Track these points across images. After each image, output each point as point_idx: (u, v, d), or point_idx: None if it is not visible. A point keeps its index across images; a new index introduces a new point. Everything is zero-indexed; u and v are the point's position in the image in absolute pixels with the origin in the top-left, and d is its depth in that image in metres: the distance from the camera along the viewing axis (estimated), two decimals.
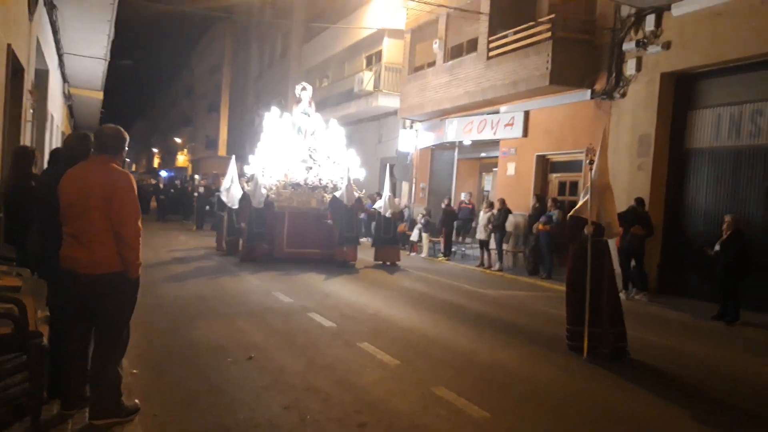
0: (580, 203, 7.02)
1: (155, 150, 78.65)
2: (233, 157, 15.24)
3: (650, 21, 11.34)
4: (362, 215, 15.92)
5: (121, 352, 4.01)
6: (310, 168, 14.41)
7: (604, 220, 6.72)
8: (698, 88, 11.16)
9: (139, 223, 3.85)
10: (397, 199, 15.72)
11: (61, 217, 3.82)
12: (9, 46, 6.29)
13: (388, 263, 13.98)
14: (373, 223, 15.36)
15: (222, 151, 42.20)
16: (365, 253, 14.45)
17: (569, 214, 7.25)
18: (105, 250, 3.74)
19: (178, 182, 33.72)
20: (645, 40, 11.48)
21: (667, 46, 11.06)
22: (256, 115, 32.11)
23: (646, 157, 11.46)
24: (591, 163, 6.86)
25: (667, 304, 10.22)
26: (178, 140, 59.68)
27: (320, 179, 14.29)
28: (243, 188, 14.08)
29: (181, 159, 60.02)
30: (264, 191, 13.34)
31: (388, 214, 14.26)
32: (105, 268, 3.74)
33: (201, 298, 8.86)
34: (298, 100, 15.27)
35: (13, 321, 3.85)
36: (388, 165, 16.20)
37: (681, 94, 11.33)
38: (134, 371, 5.13)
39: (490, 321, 8.42)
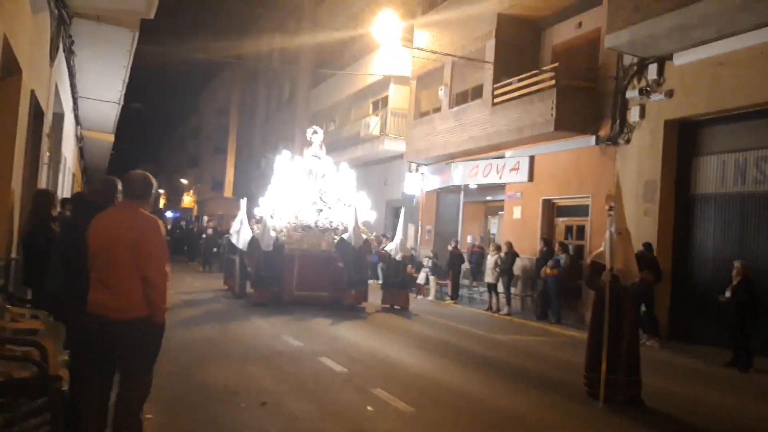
0: (600, 249, 7.04)
1: (161, 191, 79.21)
2: (244, 199, 15.29)
3: (653, 70, 11.61)
4: (373, 257, 15.77)
5: (144, 399, 3.99)
6: (321, 210, 14.39)
7: (619, 266, 6.72)
8: (702, 135, 11.35)
9: (167, 268, 3.90)
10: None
11: (90, 261, 3.87)
12: (32, 91, 6.48)
13: (397, 307, 13.78)
14: (380, 265, 15.35)
15: (228, 192, 42.50)
16: (374, 296, 14.27)
17: (590, 259, 7.30)
18: (132, 295, 3.77)
19: (183, 223, 33.86)
20: (648, 88, 11.73)
21: (669, 94, 11.30)
22: (263, 158, 32.52)
23: (652, 203, 11.56)
24: (611, 209, 6.92)
25: (679, 351, 10.13)
26: (184, 181, 60.18)
27: (331, 221, 14.23)
28: (252, 230, 14.09)
29: (187, 200, 60.37)
30: (273, 234, 13.30)
31: (398, 257, 14.13)
32: (132, 313, 3.77)
33: (211, 342, 8.83)
34: (309, 143, 15.37)
35: (35, 364, 3.87)
36: (402, 208, 16.18)
37: (685, 140, 11.51)
38: (148, 416, 5.08)
39: (500, 366, 8.36)
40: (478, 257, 16.52)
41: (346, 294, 13.11)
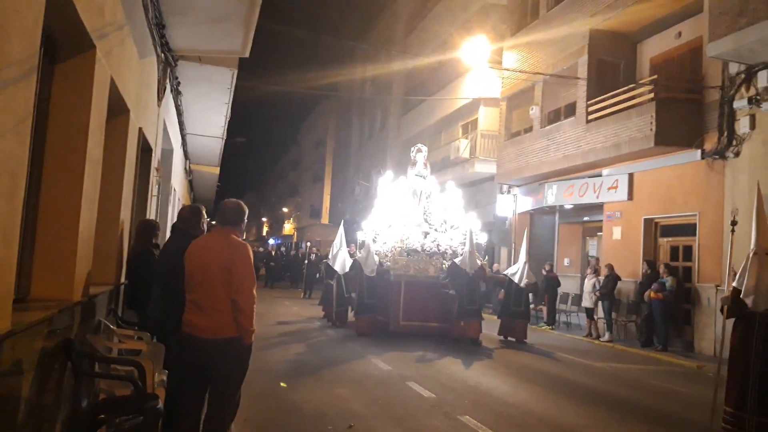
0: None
1: (264, 219, 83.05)
2: (342, 222, 14.93)
3: (762, 77, 10.76)
4: (483, 286, 14.34)
5: (232, 417, 4.16)
6: (427, 233, 13.36)
7: (755, 290, 5.97)
8: None
9: (254, 291, 4.08)
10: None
11: (186, 284, 4.12)
12: (140, 129, 7.06)
13: (511, 339, 12.45)
14: (498, 290, 14.21)
15: (325, 219, 43.80)
16: (488, 327, 12.92)
17: (732, 285, 6.67)
18: (222, 317, 3.97)
19: (283, 249, 35.02)
20: (758, 97, 10.87)
21: None
22: (357, 185, 33.29)
23: None
24: (734, 224, 6.42)
25: None
26: (285, 210, 62.79)
27: (438, 245, 13.07)
28: (351, 255, 13.54)
29: (288, 227, 62.86)
30: (376, 258, 12.52)
31: (522, 284, 12.60)
32: (221, 333, 3.97)
33: (309, 369, 9.02)
34: (413, 162, 14.45)
35: (133, 383, 4.15)
36: (526, 230, 14.55)
37: None
38: None
39: (600, 396, 7.89)
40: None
41: (456, 325, 11.85)
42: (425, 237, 13.22)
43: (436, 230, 13.52)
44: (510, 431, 5.94)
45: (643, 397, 8.06)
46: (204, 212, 5.06)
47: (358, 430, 5.70)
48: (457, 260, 12.18)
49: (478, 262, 12.29)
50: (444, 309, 12.27)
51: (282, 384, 6.49)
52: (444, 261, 12.79)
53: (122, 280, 6.59)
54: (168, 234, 7.26)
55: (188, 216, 4.93)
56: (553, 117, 16.76)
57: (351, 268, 13.12)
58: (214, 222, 5.32)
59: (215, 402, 4.07)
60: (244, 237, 5.40)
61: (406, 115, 28.54)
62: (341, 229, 14.04)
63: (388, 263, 12.71)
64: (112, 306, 6.00)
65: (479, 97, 20.75)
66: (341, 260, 13.54)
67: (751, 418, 5.79)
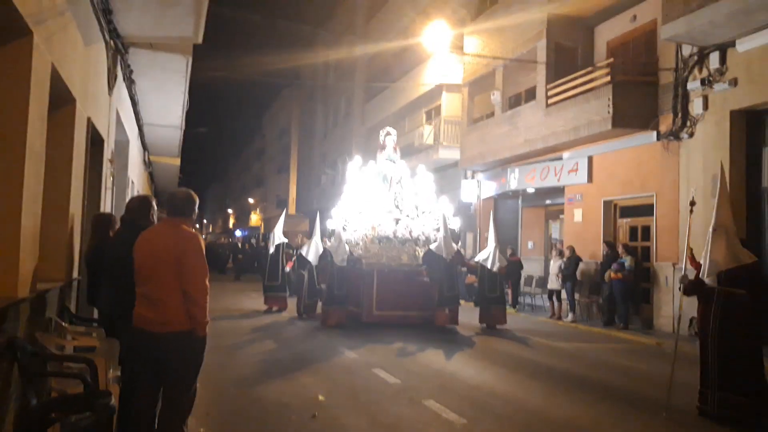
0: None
1: (230, 211, 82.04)
2: (317, 212, 14.36)
3: (714, 58, 11.00)
4: (463, 271, 14.05)
5: (188, 411, 4.08)
6: (399, 219, 12.90)
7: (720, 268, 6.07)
8: None
9: (207, 282, 3.99)
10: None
11: (135, 277, 4.01)
12: (89, 119, 6.81)
13: (500, 327, 12.08)
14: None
15: (291, 209, 43.42)
16: (465, 315, 12.46)
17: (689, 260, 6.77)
18: (174, 309, 3.88)
19: (252, 240, 34.53)
20: (710, 78, 11.12)
21: (734, 83, 10.66)
22: (323, 174, 33.07)
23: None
24: (692, 204, 6.59)
25: None
26: (251, 201, 62.05)
27: (411, 231, 12.70)
28: (324, 245, 13.08)
29: (254, 218, 62.18)
30: (347, 247, 12.10)
31: (495, 269, 12.24)
32: (174, 327, 3.88)
33: (274, 361, 8.94)
34: (383, 146, 14.01)
35: (83, 381, 4.02)
36: (491, 213, 14.36)
37: (754, 131, 10.82)
38: (201, 430, 5.19)
39: (564, 376, 8.02)
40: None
41: (438, 314, 11.52)
42: (397, 224, 12.85)
43: (407, 216, 13.11)
44: (471, 412, 6.00)
45: (605, 375, 8.23)
46: (154, 203, 4.92)
47: (321, 419, 5.67)
48: (432, 246, 11.88)
49: (455, 247, 11.99)
50: (421, 297, 11.92)
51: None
52: (417, 248, 12.45)
53: (75, 275, 6.40)
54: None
55: (136, 207, 4.80)
56: (514, 102, 16.88)
57: (321, 258, 12.66)
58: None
59: (170, 396, 3.98)
60: (212, 229, 5.29)
61: (370, 102, 28.41)
62: (317, 219, 13.61)
63: (360, 252, 12.32)
64: (66, 303, 5.82)
65: (441, 83, 20.77)
66: (315, 250, 13.09)
67: (713, 393, 5.95)
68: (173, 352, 3.89)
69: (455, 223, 13.18)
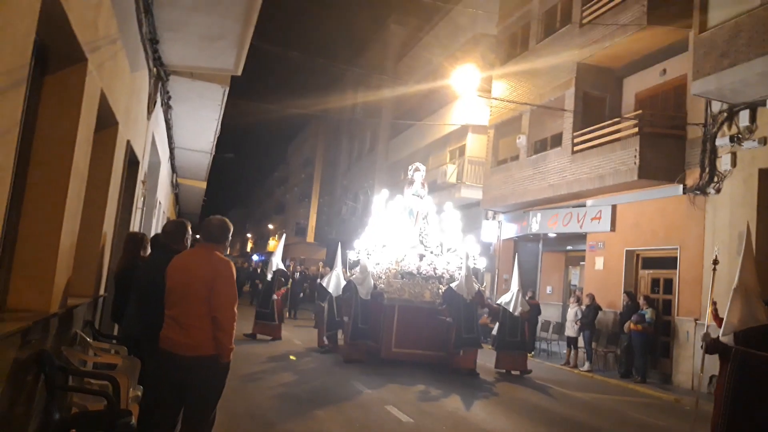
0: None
1: (249, 235, 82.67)
2: (339, 243, 14.19)
3: (744, 116, 11.03)
4: (483, 312, 13.50)
5: None
6: (423, 255, 12.64)
7: (736, 327, 5.99)
8: None
9: (235, 309, 4.06)
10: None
11: (165, 300, 4.10)
12: (128, 142, 7.05)
13: (515, 372, 11.76)
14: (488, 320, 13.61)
15: (310, 237, 43.68)
16: (482, 358, 11.92)
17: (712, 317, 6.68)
18: (201, 334, 3.94)
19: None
20: (739, 135, 11.12)
21: (763, 141, 10.65)
22: (344, 205, 33.31)
23: None
24: (715, 263, 6.53)
25: None
26: (270, 226, 62.57)
27: (435, 268, 12.38)
28: (346, 276, 12.79)
29: (272, 244, 62.58)
30: (371, 281, 11.76)
31: (517, 313, 11.90)
32: (199, 351, 3.93)
33: (291, 395, 8.92)
34: (410, 181, 13.84)
35: (107, 398, 4.09)
36: (516, 256, 13.89)
37: None
38: None
39: (578, 427, 7.89)
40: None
41: (455, 356, 11.15)
42: (421, 260, 12.55)
43: (432, 252, 12.84)
44: None
45: (620, 429, 8.07)
46: (189, 228, 5.04)
47: None
48: (453, 285, 11.55)
49: (476, 286, 11.72)
50: (440, 337, 11.57)
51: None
52: (440, 285, 12.15)
53: (101, 292, 6.53)
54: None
55: (172, 231, 4.93)
56: (540, 147, 16.98)
57: (344, 290, 12.21)
58: (198, 237, 5.32)
59: (190, 420, 4.02)
60: (227, 252, 5.40)
61: (395, 139, 28.75)
62: (339, 249, 13.42)
63: (382, 286, 11.97)
64: (89, 318, 5.93)
65: (467, 124, 20.99)
66: (335, 281, 12.79)
67: None
68: (198, 376, 3.94)
69: (481, 263, 12.80)
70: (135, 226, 9.10)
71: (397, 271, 12.23)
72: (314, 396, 8.25)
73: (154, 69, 7.93)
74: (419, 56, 26.16)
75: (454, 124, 21.52)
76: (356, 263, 12.66)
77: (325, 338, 12.94)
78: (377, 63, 31.22)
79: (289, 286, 15.74)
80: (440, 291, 11.98)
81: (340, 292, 12.41)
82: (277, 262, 14.61)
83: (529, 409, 8.76)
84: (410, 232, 13.09)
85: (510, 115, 18.25)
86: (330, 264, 21.81)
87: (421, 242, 12.97)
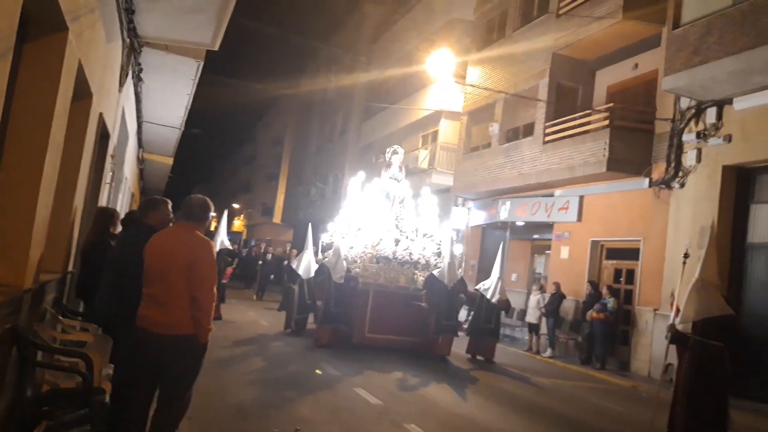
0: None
1: (213, 214, 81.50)
2: (310, 225, 13.69)
3: (711, 113, 11.34)
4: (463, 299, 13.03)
5: (182, 415, 4.10)
6: (399, 240, 12.42)
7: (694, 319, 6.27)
8: (761, 182, 10.94)
9: (214, 290, 4.04)
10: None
11: (144, 278, 4.04)
12: (101, 114, 6.86)
13: (480, 358, 11.86)
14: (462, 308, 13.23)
15: (277, 218, 43.33)
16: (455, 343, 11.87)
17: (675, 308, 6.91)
18: (180, 313, 3.92)
19: (237, 247, 33.80)
20: (706, 132, 11.45)
21: (728, 139, 10.99)
22: (313, 187, 33.11)
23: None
24: (686, 257, 6.73)
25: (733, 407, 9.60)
26: (236, 206, 61.80)
27: (411, 254, 12.18)
28: (318, 258, 12.59)
29: (237, 224, 61.86)
30: (345, 264, 11.55)
31: (494, 300, 12.02)
32: (178, 330, 3.91)
33: (263, 380, 8.89)
34: (388, 164, 13.60)
35: (81, 375, 4.02)
36: (502, 243, 13.72)
37: (743, 187, 11.13)
38: None
39: (542, 411, 8.11)
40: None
41: (434, 342, 11.18)
42: (397, 244, 12.33)
43: (407, 238, 12.65)
44: None
45: (582, 414, 8.34)
46: (168, 206, 4.94)
47: None
48: (435, 272, 11.47)
49: (458, 273, 11.66)
50: (415, 322, 11.49)
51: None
52: (416, 271, 12.00)
53: (70, 268, 6.37)
54: (121, 226, 7.07)
55: (145, 205, 4.83)
56: (512, 135, 17.16)
57: (317, 273, 11.98)
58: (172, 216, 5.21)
59: (166, 399, 4.00)
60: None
61: (368, 122, 28.64)
62: (309, 232, 13.13)
63: (357, 270, 11.75)
64: (58, 295, 5.79)
65: (441, 109, 21.03)
66: (306, 264, 12.57)
67: None
68: (175, 355, 3.92)
69: (457, 250, 12.56)
70: (103, 201, 8.88)
71: (372, 256, 12.02)
72: (288, 382, 8.27)
73: (128, 40, 7.69)
74: (394, 39, 26.01)
75: (428, 109, 21.54)
76: (330, 246, 12.45)
77: (293, 322, 12.77)
78: (351, 44, 30.94)
79: (234, 265, 15.25)
80: (415, 277, 11.89)
81: (311, 275, 12.25)
82: (221, 240, 14.06)
83: (497, 394, 8.97)
84: (386, 216, 12.87)
85: (484, 102, 18.36)
86: (298, 246, 21.67)
87: (397, 227, 12.79)
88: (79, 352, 4.44)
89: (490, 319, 12.00)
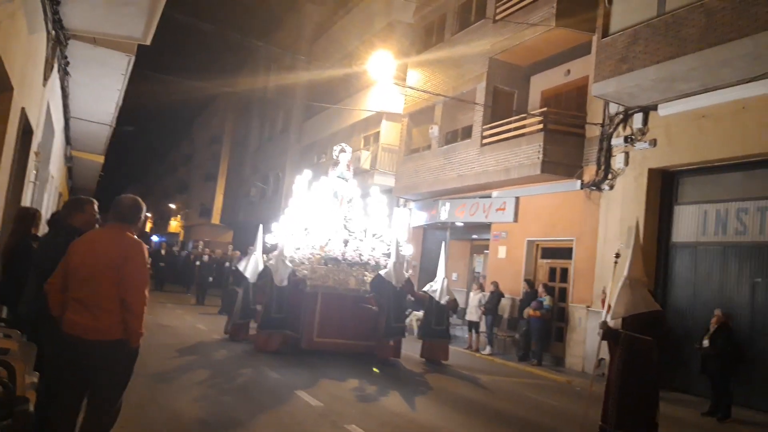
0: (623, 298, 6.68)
1: (148, 214, 78.86)
2: (260, 226, 12.92)
3: (638, 119, 11.91)
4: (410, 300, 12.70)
5: (111, 425, 3.91)
6: (348, 241, 12.02)
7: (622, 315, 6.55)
8: (684, 184, 11.58)
9: (146, 292, 3.89)
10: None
11: (69, 281, 3.84)
12: (23, 109, 6.49)
13: (435, 362, 11.57)
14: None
15: (215, 219, 42.35)
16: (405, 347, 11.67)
17: (607, 307, 7.16)
18: (110, 317, 3.75)
19: (175, 248, 32.82)
20: (633, 137, 12.00)
21: (653, 143, 11.56)
22: (253, 186, 32.53)
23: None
24: (617, 256, 6.99)
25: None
26: (172, 206, 59.95)
27: (360, 254, 11.84)
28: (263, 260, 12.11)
29: (174, 225, 60.06)
30: (289, 266, 11.13)
31: (443, 301, 11.81)
32: (107, 335, 3.74)
33: (201, 385, 8.64)
34: (335, 163, 13.30)
35: (2, 385, 3.79)
36: (443, 242, 13.56)
37: (667, 189, 11.73)
38: None
39: (481, 407, 8.27)
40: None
41: (383, 345, 10.91)
42: (346, 245, 11.90)
43: (355, 238, 12.22)
44: None
45: (519, 409, 8.55)
46: (94, 206, 4.73)
47: None
48: (382, 272, 11.12)
49: (406, 274, 11.44)
50: (365, 326, 11.10)
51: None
52: (366, 272, 11.65)
53: None
54: (47, 227, 6.72)
55: (69, 206, 4.61)
56: (451, 137, 17.43)
57: (260, 276, 11.57)
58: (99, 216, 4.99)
59: (95, 407, 3.81)
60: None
61: (309, 121, 28.42)
62: (260, 233, 12.48)
63: (305, 272, 11.32)
64: None
65: (382, 111, 21.10)
66: (253, 266, 12.07)
67: (611, 430, 6.33)
68: (105, 362, 3.75)
69: (407, 250, 12.25)
70: (27, 201, 8.44)
71: (321, 257, 11.60)
72: (221, 381, 8.07)
73: (53, 32, 7.32)
74: (335, 39, 25.93)
75: (369, 111, 21.58)
76: (274, 247, 11.99)
77: (230, 326, 12.28)
78: (291, 43, 30.60)
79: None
80: (365, 278, 11.55)
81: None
82: None
83: (435, 392, 9.07)
84: (334, 215, 12.44)
85: (424, 104, 18.56)
86: (239, 247, 21.17)
87: (345, 227, 12.37)
88: (1, 360, 4.18)
89: (441, 321, 11.81)
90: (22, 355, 4.35)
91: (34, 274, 4.65)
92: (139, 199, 4.10)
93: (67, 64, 9.47)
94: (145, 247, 4.01)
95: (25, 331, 4.68)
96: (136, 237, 3.97)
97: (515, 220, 15.16)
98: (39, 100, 8.07)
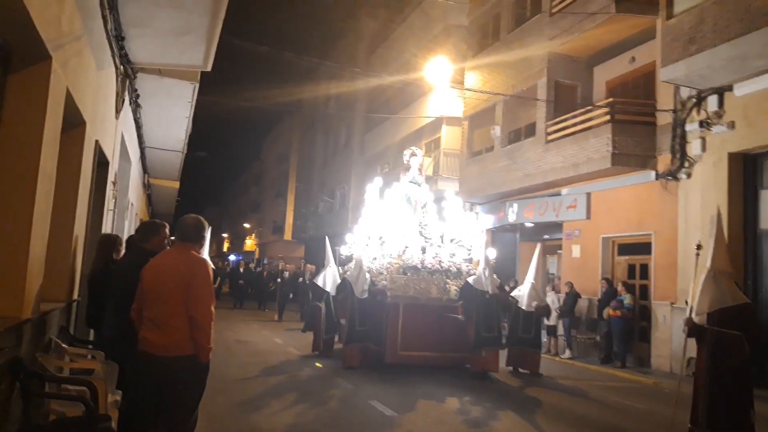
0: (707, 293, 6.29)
1: (225, 235, 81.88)
2: (327, 238, 12.74)
3: (712, 101, 11.22)
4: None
5: None
6: (425, 248, 11.45)
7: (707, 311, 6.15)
8: None
9: (212, 309, 4.01)
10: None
11: (142, 301, 4.02)
12: (97, 142, 6.88)
13: (524, 371, 10.90)
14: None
15: (287, 235, 43.42)
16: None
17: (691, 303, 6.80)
18: (179, 334, 3.89)
19: (251, 265, 33.85)
20: (708, 121, 11.32)
21: (731, 125, 10.86)
22: (321, 201, 33.13)
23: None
24: (699, 248, 6.60)
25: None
26: (246, 225, 62.03)
27: (440, 261, 11.21)
28: (340, 272, 11.86)
29: (249, 243, 62.07)
30: (368, 276, 10.73)
31: (525, 306, 11.11)
32: (177, 351, 3.88)
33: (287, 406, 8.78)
34: (407, 167, 12.76)
35: (84, 404, 3.99)
36: (538, 245, 12.62)
37: (750, 173, 10.98)
38: None
39: (564, 414, 7.94)
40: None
41: (476, 357, 10.13)
42: (424, 252, 11.33)
43: (432, 245, 11.65)
44: None
45: (605, 413, 8.17)
46: (163, 228, 4.93)
47: None
48: (470, 279, 10.45)
49: (498, 281, 10.81)
50: (452, 336, 10.54)
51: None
52: (447, 280, 11.07)
53: (75, 296, 6.37)
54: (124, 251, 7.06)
55: (142, 230, 4.83)
56: (514, 137, 17.09)
57: (339, 289, 11.24)
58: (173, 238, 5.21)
59: (170, 423, 3.95)
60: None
61: (370, 132, 28.68)
62: (327, 245, 12.19)
63: (384, 282, 10.84)
64: (63, 324, 5.78)
65: (442, 116, 21.01)
66: (332, 279, 11.70)
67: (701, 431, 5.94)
68: (177, 377, 3.88)
69: (491, 254, 11.19)
70: (107, 228, 8.91)
71: (399, 266, 11.03)
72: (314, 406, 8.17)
73: (121, 66, 7.74)
74: (392, 48, 26.09)
75: (429, 117, 21.52)
76: (349, 259, 11.63)
77: (321, 341, 11.86)
78: (350, 56, 31.06)
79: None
80: (447, 286, 10.97)
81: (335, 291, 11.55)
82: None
83: (513, 398, 8.81)
84: (409, 222, 11.85)
85: (483, 106, 18.32)
86: (311, 262, 21.53)
87: (421, 233, 11.80)
88: (84, 380, 4.41)
89: (528, 329, 11.05)
90: (104, 374, 4.57)
91: (112, 296, 4.90)
92: (202, 219, 4.24)
93: (138, 96, 9.98)
94: (210, 265, 4.13)
95: (108, 352, 4.91)
96: (199, 255, 4.10)
97: (588, 217, 14.63)
98: (112, 132, 8.53)
